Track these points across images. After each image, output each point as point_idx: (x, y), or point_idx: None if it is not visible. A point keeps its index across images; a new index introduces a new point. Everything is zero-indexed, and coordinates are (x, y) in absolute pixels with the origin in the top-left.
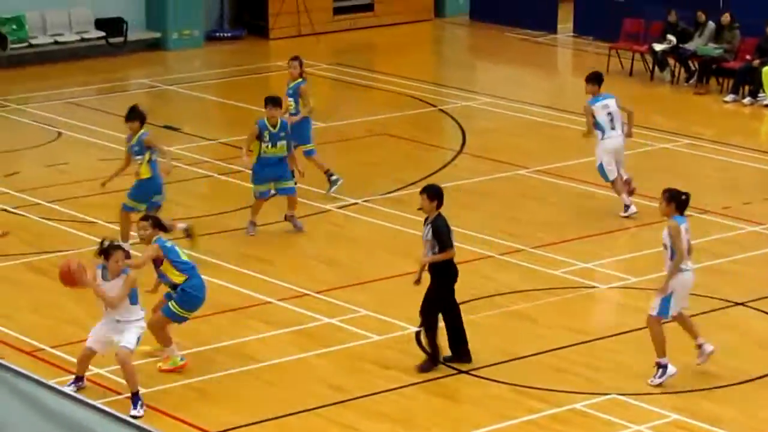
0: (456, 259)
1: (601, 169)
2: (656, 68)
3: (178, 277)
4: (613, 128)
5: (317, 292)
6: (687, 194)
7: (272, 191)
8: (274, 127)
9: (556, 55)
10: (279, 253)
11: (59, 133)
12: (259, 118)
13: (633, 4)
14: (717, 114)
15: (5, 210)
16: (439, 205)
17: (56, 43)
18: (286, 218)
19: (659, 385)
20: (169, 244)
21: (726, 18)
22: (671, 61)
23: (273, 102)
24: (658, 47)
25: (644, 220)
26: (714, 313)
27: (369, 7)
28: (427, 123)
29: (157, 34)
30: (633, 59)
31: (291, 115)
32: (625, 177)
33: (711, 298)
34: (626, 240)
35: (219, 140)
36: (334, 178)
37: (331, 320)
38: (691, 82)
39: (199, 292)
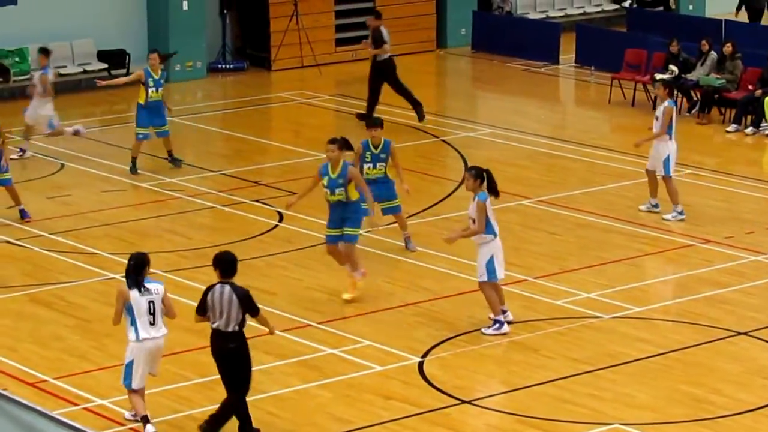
0: (457, 290)
1: (668, 162)
2: (658, 99)
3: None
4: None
5: (319, 323)
6: (488, 170)
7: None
8: (376, 147)
9: (558, 85)
10: (281, 284)
11: (62, 165)
12: (362, 139)
13: (635, 34)
14: (719, 144)
15: (8, 242)
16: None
17: (59, 75)
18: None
19: (490, 335)
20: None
21: (728, 48)
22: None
23: (375, 123)
24: (659, 77)
25: (647, 250)
26: (717, 343)
27: None
28: (430, 153)
29: (160, 66)
30: (635, 89)
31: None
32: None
33: (714, 327)
34: (628, 270)
35: (222, 171)
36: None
37: (334, 351)
38: (693, 112)
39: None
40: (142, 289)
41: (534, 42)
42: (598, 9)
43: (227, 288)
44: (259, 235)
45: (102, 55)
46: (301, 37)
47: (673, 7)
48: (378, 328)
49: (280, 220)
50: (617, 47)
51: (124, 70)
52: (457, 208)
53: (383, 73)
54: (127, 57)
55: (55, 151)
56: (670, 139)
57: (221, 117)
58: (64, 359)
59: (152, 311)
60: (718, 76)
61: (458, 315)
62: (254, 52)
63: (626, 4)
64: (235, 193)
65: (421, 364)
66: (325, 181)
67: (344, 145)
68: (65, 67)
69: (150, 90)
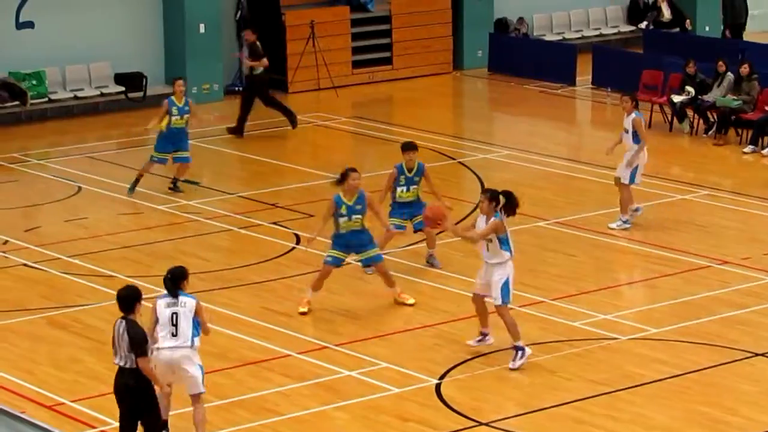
0: (473, 312)
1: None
2: (675, 119)
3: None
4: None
5: (337, 345)
6: (509, 192)
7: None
8: (410, 171)
9: (575, 106)
10: (298, 305)
11: (79, 188)
12: (397, 162)
13: (651, 55)
14: (736, 165)
15: (25, 265)
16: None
17: (76, 98)
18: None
19: (518, 368)
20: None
21: (745, 69)
22: (690, 113)
23: (410, 147)
24: (676, 98)
25: (664, 271)
26: (734, 364)
27: (387, 61)
28: (446, 175)
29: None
30: (652, 111)
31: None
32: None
33: (731, 348)
34: (645, 291)
35: (239, 194)
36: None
37: (351, 373)
38: (710, 133)
39: None
40: (169, 299)
41: (550, 63)
42: (615, 30)
43: (123, 324)
44: (277, 257)
45: (119, 78)
46: (318, 60)
47: (690, 28)
48: (395, 350)
49: (297, 243)
50: (634, 68)
51: (140, 93)
52: None
53: (256, 87)
54: (144, 80)
55: (72, 174)
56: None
57: (238, 139)
58: (82, 382)
59: (174, 323)
60: (735, 97)
61: (475, 337)
62: (271, 75)
63: (643, 26)
64: (252, 215)
65: (438, 386)
66: (343, 209)
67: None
68: (82, 89)
69: (173, 118)
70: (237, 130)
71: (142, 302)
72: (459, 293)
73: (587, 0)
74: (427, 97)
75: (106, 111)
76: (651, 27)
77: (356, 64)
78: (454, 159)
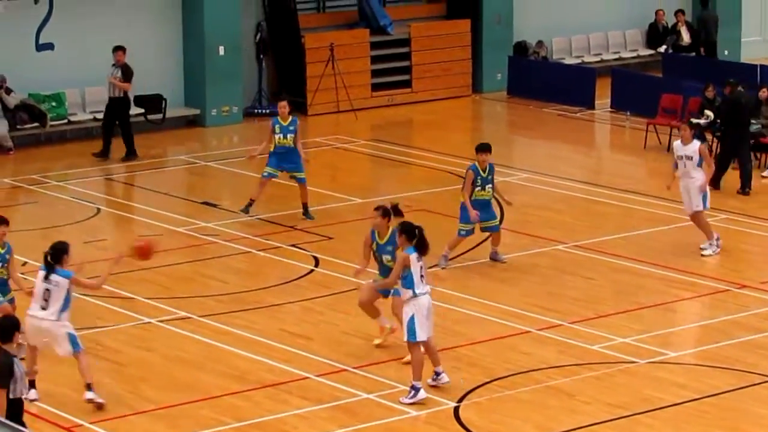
0: (493, 335)
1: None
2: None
3: None
4: None
5: (355, 368)
6: (419, 228)
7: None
8: (484, 171)
9: (594, 130)
10: (317, 328)
11: (98, 209)
12: (472, 163)
13: (671, 79)
14: (755, 189)
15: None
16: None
17: (95, 119)
18: (490, 257)
19: (411, 404)
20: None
21: (764, 93)
22: (709, 137)
23: (483, 148)
24: (695, 122)
25: (683, 294)
26: (753, 388)
27: (407, 84)
28: None
29: (196, 111)
30: (671, 134)
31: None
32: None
33: (750, 372)
34: (664, 314)
35: (257, 216)
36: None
37: (370, 396)
38: None
39: None
40: (44, 274)
41: (569, 87)
42: (634, 54)
43: None
44: (296, 279)
45: (138, 100)
46: (337, 82)
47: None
48: None
49: (316, 265)
50: (653, 92)
51: (160, 115)
52: None
53: (124, 109)
54: (164, 102)
55: (92, 195)
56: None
57: (257, 161)
58: (101, 403)
59: (46, 298)
60: (754, 121)
61: (494, 360)
62: (290, 97)
63: (662, 50)
64: (271, 237)
65: (456, 409)
66: (374, 247)
67: (389, 212)
68: (102, 111)
69: (277, 136)
70: (103, 154)
71: (20, 333)
72: (478, 316)
73: (607, 23)
74: (446, 120)
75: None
76: (670, 51)
77: (375, 87)
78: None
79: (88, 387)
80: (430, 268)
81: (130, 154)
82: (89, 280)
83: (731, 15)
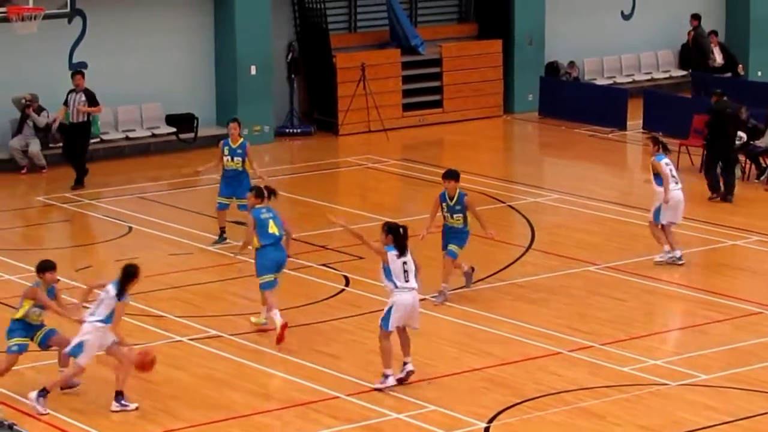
0: (524, 356)
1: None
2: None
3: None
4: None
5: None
6: (404, 228)
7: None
8: (452, 199)
9: (625, 151)
10: (347, 348)
11: (130, 228)
12: (441, 191)
13: (703, 100)
14: None
15: (77, 304)
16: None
17: (127, 138)
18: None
19: (380, 390)
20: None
21: None
22: (741, 158)
23: (447, 175)
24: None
25: (714, 317)
26: None
27: (438, 104)
28: (496, 219)
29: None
30: (703, 156)
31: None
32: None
33: None
34: (695, 337)
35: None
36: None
37: (399, 416)
38: (761, 178)
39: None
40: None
41: (601, 108)
42: (666, 75)
43: None
44: (326, 299)
45: (170, 119)
46: (369, 102)
47: (742, 73)
48: (444, 393)
49: (347, 285)
50: (685, 113)
51: (192, 134)
52: (524, 274)
53: (83, 135)
54: (196, 121)
55: (123, 214)
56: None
57: (288, 181)
58: (131, 422)
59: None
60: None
61: (524, 381)
62: (321, 117)
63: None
64: (301, 257)
65: (486, 430)
66: (444, 207)
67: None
68: (134, 130)
69: (226, 158)
70: (80, 182)
71: None
72: (507, 336)
73: (639, 44)
74: (477, 141)
75: (157, 152)
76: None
77: (407, 107)
78: (503, 203)
79: (45, 391)
80: (461, 288)
81: (81, 183)
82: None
83: (765, 36)
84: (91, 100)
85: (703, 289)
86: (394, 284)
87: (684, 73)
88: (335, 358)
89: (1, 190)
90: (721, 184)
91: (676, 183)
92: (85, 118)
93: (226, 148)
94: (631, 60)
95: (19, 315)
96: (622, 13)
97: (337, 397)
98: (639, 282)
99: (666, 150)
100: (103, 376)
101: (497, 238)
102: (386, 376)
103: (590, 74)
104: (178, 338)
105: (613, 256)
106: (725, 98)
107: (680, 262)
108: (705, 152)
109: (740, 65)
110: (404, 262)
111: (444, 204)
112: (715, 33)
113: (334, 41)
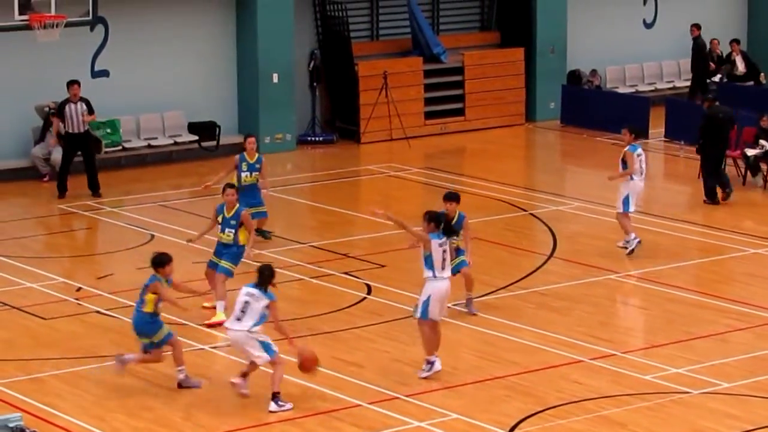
0: (545, 364)
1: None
2: (748, 173)
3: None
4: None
5: (407, 396)
6: (444, 214)
7: None
8: (452, 221)
9: (648, 159)
10: (369, 356)
11: (152, 236)
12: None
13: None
14: None
15: (98, 312)
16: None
17: (149, 146)
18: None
19: (426, 378)
20: None
21: (764, 122)
22: (764, 167)
23: (448, 197)
24: (750, 152)
25: (736, 325)
26: None
27: (460, 112)
28: (518, 227)
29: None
30: (725, 164)
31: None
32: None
33: None
34: (717, 345)
35: (310, 243)
36: None
37: (421, 424)
38: None
39: None
40: (252, 290)
41: (623, 116)
42: (688, 83)
43: None
44: (348, 307)
45: (192, 127)
46: (391, 110)
47: (764, 81)
48: (465, 402)
49: (369, 293)
50: None
51: (214, 142)
52: (546, 282)
53: (88, 144)
54: (218, 129)
55: (145, 222)
56: (631, 179)
57: (310, 189)
58: (154, 429)
59: (243, 310)
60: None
61: (546, 389)
62: (343, 125)
63: (716, 79)
64: (323, 265)
65: None
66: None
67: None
68: (156, 138)
69: (244, 174)
70: (94, 190)
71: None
72: (529, 345)
73: (661, 52)
74: (499, 149)
75: (180, 160)
76: (725, 80)
77: (429, 115)
78: (525, 211)
79: (276, 394)
80: (483, 296)
81: (98, 190)
82: None
83: None
84: (90, 107)
85: (725, 297)
86: (434, 273)
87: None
88: (357, 366)
89: (22, 197)
90: (718, 190)
91: (641, 174)
92: (87, 127)
93: (244, 164)
94: (653, 68)
95: (149, 309)
96: (644, 21)
97: (359, 405)
98: (660, 290)
99: (638, 138)
100: (127, 384)
101: (472, 266)
102: (430, 363)
103: (612, 82)
104: (201, 346)
105: (635, 264)
106: (717, 103)
107: (632, 246)
108: (701, 159)
109: (762, 74)
110: (444, 251)
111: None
112: (737, 41)
113: (356, 49)
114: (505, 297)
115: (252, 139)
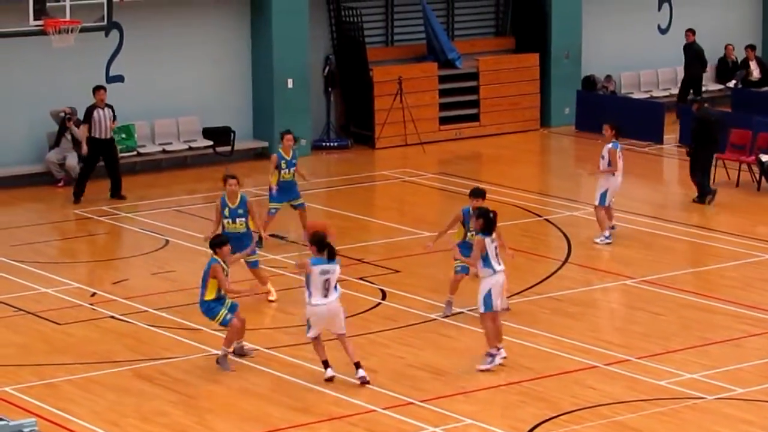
0: (560, 369)
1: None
2: (763, 179)
3: None
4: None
5: (421, 401)
6: (494, 212)
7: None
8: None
9: (662, 165)
10: (383, 361)
11: (167, 241)
12: (464, 206)
13: (740, 114)
14: None
15: (113, 317)
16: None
17: (164, 151)
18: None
19: (486, 370)
20: None
21: None
22: None
23: (474, 194)
24: (765, 158)
25: (751, 330)
26: None
27: (475, 118)
28: (533, 232)
29: (264, 144)
30: (740, 170)
31: None
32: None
33: None
34: (732, 350)
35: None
36: None
37: (436, 429)
38: None
39: None
40: (325, 266)
41: (638, 121)
42: (703, 89)
43: None
44: (362, 312)
45: (207, 133)
46: (405, 116)
47: None
48: (480, 407)
49: (383, 298)
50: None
51: (228, 147)
52: (561, 287)
53: (114, 150)
54: (232, 134)
55: (160, 227)
56: (612, 175)
57: (325, 194)
58: None
59: (326, 286)
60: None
61: (561, 394)
62: (358, 130)
63: (731, 84)
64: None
65: None
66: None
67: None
68: (171, 143)
69: (283, 171)
70: (118, 193)
71: None
72: (545, 351)
73: (676, 58)
74: (514, 155)
75: (194, 165)
76: (740, 86)
77: (443, 121)
78: (540, 216)
79: (358, 364)
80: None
81: (120, 192)
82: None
83: None
84: (114, 114)
85: (740, 303)
86: (493, 269)
87: (721, 87)
88: (371, 371)
89: (37, 203)
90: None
91: (620, 171)
92: (112, 134)
93: (283, 162)
94: (668, 74)
95: (211, 296)
96: (659, 26)
97: (374, 411)
98: (675, 296)
99: (619, 135)
100: (141, 389)
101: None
102: (492, 356)
103: (627, 88)
104: (215, 351)
105: (650, 270)
106: (706, 105)
107: (608, 241)
108: (690, 162)
109: None
110: (496, 246)
111: (466, 221)
112: (752, 47)
113: (371, 55)
114: (520, 302)
115: (289, 136)
